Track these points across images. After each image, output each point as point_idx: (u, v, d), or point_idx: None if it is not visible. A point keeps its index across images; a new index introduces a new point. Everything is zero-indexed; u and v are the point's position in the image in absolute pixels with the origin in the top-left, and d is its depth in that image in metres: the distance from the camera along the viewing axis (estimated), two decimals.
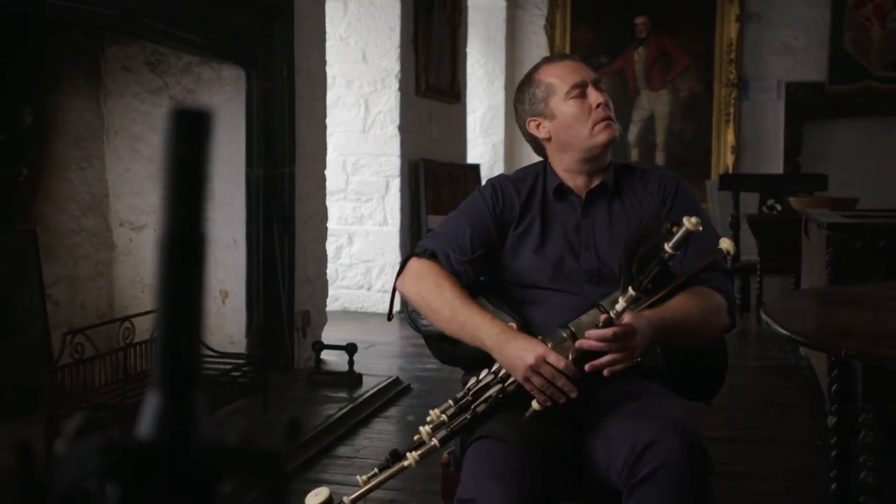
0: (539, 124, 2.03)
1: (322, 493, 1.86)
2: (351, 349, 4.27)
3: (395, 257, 6.42)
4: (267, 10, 4.24)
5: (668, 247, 1.69)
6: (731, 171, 8.58)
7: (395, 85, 6.32)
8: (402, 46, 6.34)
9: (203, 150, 0.44)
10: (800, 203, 5.39)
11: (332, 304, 5.97)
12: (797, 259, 4.94)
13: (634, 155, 9.05)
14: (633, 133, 9.09)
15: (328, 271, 5.17)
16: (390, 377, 4.37)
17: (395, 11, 6.28)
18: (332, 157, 6.24)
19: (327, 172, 5.04)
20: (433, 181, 6.64)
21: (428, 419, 1.85)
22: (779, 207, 6.08)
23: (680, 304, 1.83)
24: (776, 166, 8.74)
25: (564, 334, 1.79)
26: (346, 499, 1.87)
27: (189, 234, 0.43)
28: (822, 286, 3.48)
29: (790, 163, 8.75)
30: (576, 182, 2.04)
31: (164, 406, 0.43)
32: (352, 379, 4.25)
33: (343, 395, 4.12)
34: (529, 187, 2.05)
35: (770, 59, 8.82)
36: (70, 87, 3.92)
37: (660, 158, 9.03)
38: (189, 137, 0.43)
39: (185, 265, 0.43)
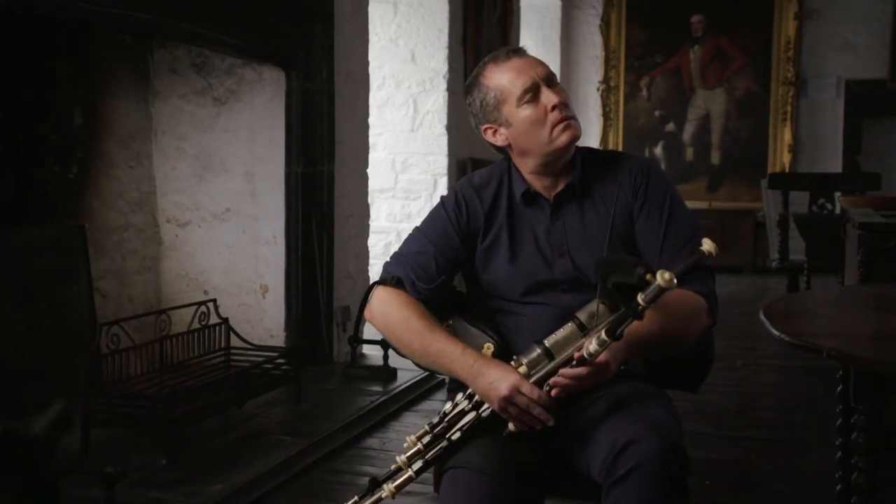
0: (495, 132, 1.94)
1: None
2: (385, 344, 4.35)
3: None
4: (307, 14, 4.36)
5: (641, 299, 1.64)
6: (787, 169, 8.46)
7: (443, 85, 6.41)
8: (451, 47, 6.43)
9: None
10: (848, 202, 5.30)
11: None
12: (843, 259, 4.86)
13: (689, 154, 9.00)
14: (688, 132, 9.03)
15: (377, 268, 5.25)
16: (425, 372, 4.42)
17: (444, 13, 6.37)
18: (381, 155, 6.36)
19: (377, 171, 5.11)
20: None
21: (405, 445, 1.83)
22: (829, 206, 5.98)
23: (658, 317, 1.76)
24: (835, 165, 8.59)
25: (539, 350, 1.76)
26: None
27: None
28: (848, 286, 3.45)
29: (849, 161, 8.59)
30: (543, 183, 1.95)
31: None
32: (386, 373, 4.34)
33: (377, 388, 4.22)
34: (493, 192, 1.97)
35: (829, 57, 8.67)
36: (119, 89, 4.08)
37: (715, 157, 8.95)
38: None
39: None
